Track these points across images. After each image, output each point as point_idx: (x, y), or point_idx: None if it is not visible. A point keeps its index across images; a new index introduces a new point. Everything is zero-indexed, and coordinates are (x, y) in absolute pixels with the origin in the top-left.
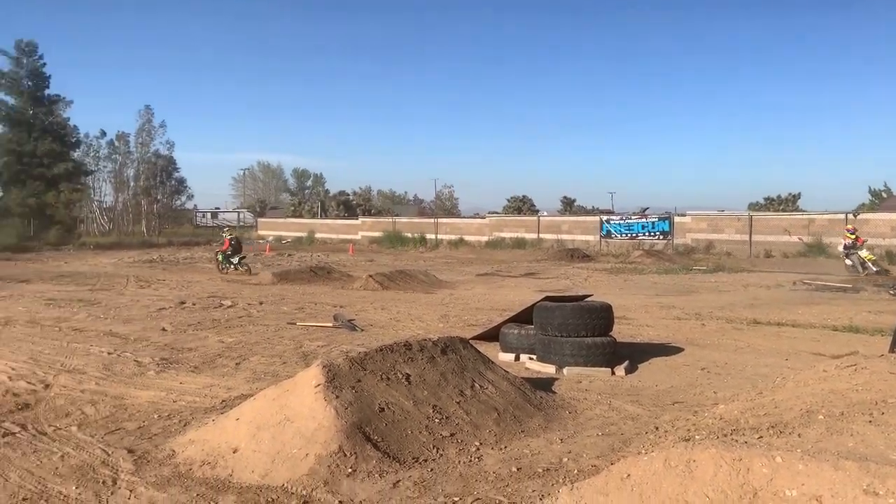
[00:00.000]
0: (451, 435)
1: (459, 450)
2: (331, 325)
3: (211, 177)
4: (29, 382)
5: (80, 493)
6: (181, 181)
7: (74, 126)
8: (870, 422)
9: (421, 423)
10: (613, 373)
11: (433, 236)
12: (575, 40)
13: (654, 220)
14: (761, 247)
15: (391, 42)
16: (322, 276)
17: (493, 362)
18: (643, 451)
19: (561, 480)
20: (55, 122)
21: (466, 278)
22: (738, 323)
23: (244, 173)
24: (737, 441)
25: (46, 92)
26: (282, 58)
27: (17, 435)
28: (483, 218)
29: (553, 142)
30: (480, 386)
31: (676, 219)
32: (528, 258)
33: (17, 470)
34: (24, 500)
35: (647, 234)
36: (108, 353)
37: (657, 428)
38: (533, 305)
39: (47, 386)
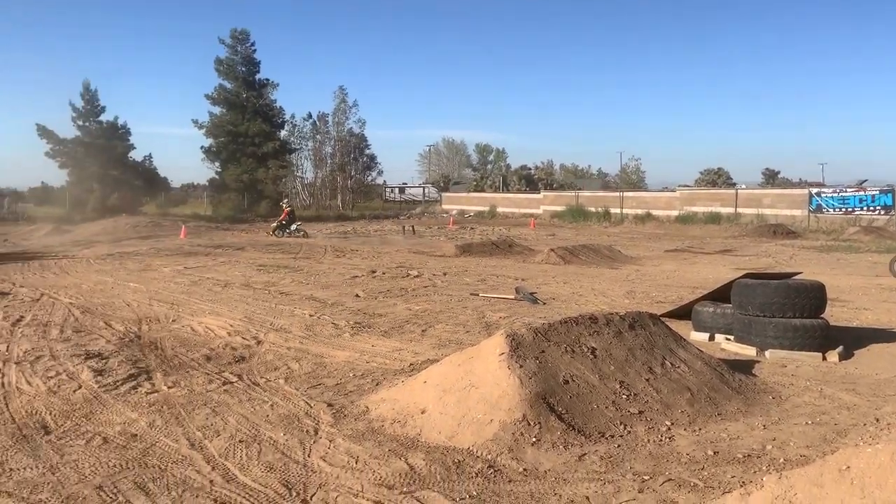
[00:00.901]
0: (640, 412)
1: (648, 428)
2: (512, 297)
3: (398, 153)
4: (244, 338)
5: (286, 440)
6: (372, 158)
7: (280, 107)
8: None
9: (607, 398)
10: (825, 358)
11: (618, 211)
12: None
13: (874, 192)
14: None
15: (573, 13)
16: (503, 250)
17: (685, 340)
18: (863, 443)
19: (765, 468)
20: (264, 104)
21: (654, 254)
22: None
23: (429, 149)
24: None
25: (257, 76)
26: (467, 34)
27: (235, 384)
28: (673, 191)
29: (752, 109)
30: (672, 364)
31: None
32: (722, 234)
33: (234, 415)
34: (240, 441)
35: (864, 208)
36: (310, 315)
37: (878, 420)
38: (731, 283)
39: (259, 342)
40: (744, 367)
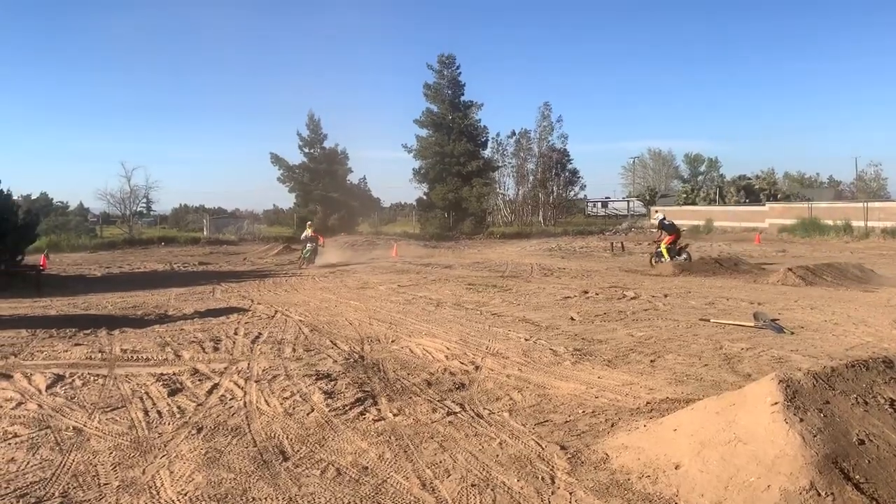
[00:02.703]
0: None
1: None
2: (751, 324)
3: (600, 167)
4: (461, 363)
5: (522, 488)
6: (574, 172)
7: (484, 126)
8: None
9: None
10: None
11: (861, 223)
12: None
13: None
14: None
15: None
16: (728, 268)
17: None
18: None
19: None
20: (469, 124)
21: None
22: None
23: (633, 161)
24: None
25: (462, 98)
26: (667, 41)
27: (459, 415)
28: None
29: None
30: None
31: None
32: None
33: (462, 452)
34: (472, 485)
35: None
36: (525, 339)
37: None
38: None
39: (477, 368)
40: None
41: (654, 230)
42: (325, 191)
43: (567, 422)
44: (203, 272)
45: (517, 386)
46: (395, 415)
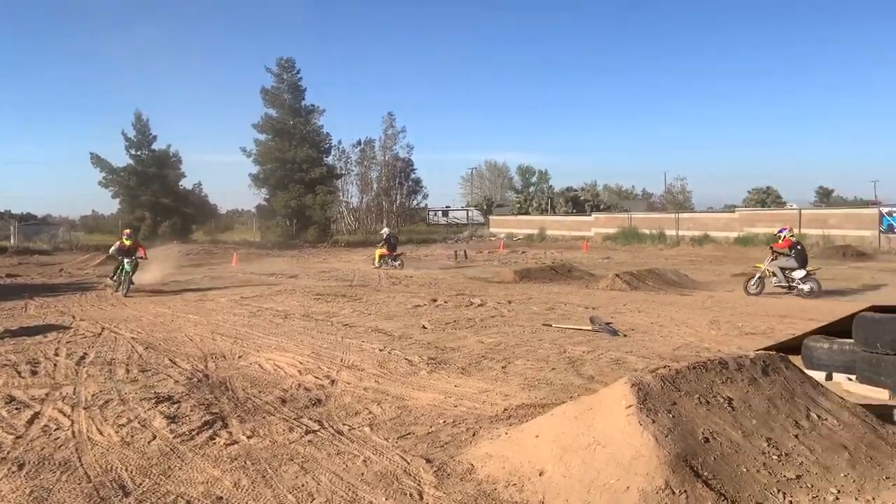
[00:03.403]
0: (797, 477)
1: (813, 497)
2: (589, 328)
3: (441, 176)
4: (316, 377)
5: None
6: (417, 181)
7: (328, 133)
8: None
9: (756, 459)
10: None
11: (673, 232)
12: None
13: None
14: None
15: (610, 26)
16: (563, 275)
17: (823, 386)
18: None
19: None
20: (311, 130)
21: (721, 279)
22: None
23: (472, 172)
24: None
25: (303, 103)
26: (504, 55)
27: (318, 433)
28: (731, 212)
29: (801, 127)
30: (818, 416)
31: None
32: None
33: (326, 473)
34: None
35: None
36: (379, 350)
37: None
38: (849, 316)
39: (333, 382)
40: (883, 414)
41: (492, 238)
42: (154, 196)
43: (429, 433)
44: (12, 285)
45: (375, 399)
46: (248, 437)
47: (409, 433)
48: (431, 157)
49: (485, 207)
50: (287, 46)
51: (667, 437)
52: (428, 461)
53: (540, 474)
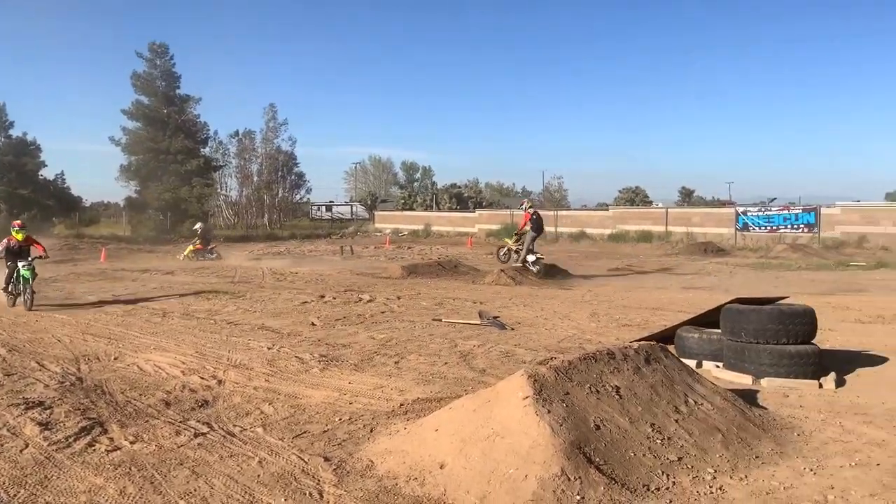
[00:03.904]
0: (679, 459)
1: (693, 478)
2: (477, 322)
3: (325, 171)
4: (202, 377)
5: None
6: (301, 175)
7: (204, 123)
8: None
9: (642, 443)
10: (821, 386)
11: (552, 229)
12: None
13: (797, 211)
14: None
15: (491, 33)
16: (450, 270)
17: (697, 373)
18: None
19: None
20: (187, 119)
21: (598, 273)
22: None
23: (356, 167)
24: None
25: (178, 91)
26: (390, 52)
27: (208, 436)
28: (606, 210)
29: (666, 130)
30: (695, 401)
31: (824, 210)
32: (655, 252)
33: (219, 476)
34: None
35: (789, 226)
36: (268, 348)
37: None
38: (716, 308)
39: (220, 382)
40: (748, 398)
41: (378, 234)
42: (10, 187)
43: (325, 431)
44: None
45: (267, 398)
46: (132, 442)
47: (305, 432)
48: (314, 152)
49: (369, 203)
50: (163, 33)
51: (561, 426)
52: (326, 459)
53: (441, 467)
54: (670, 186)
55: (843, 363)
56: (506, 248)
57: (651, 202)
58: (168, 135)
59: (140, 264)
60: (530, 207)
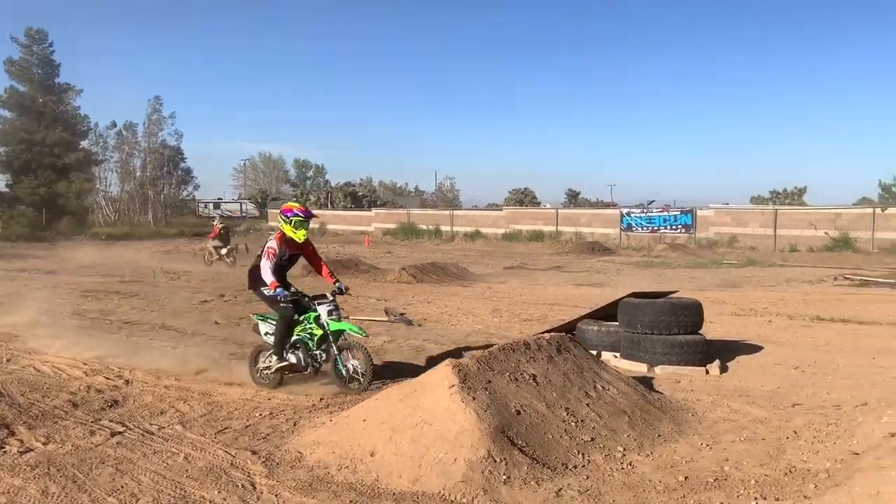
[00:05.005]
0: (592, 440)
1: (606, 455)
2: (385, 318)
3: (212, 167)
4: (107, 378)
5: (225, 499)
6: (188, 171)
7: (85, 115)
8: None
9: (558, 426)
10: (707, 372)
11: (448, 228)
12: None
13: (676, 213)
14: (786, 241)
15: (382, 31)
16: (350, 269)
17: (603, 362)
18: (804, 459)
19: (748, 493)
20: (65, 110)
21: (495, 271)
22: (802, 320)
23: (245, 164)
24: None
25: (56, 80)
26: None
27: (125, 434)
28: (499, 210)
29: (553, 133)
30: (602, 387)
31: (699, 212)
32: (547, 251)
33: (146, 473)
34: None
35: (668, 227)
36: (173, 348)
37: (796, 433)
38: (614, 302)
39: (127, 382)
40: (646, 384)
41: (271, 232)
42: None
43: (248, 426)
44: None
45: (180, 396)
46: (44, 443)
47: (227, 428)
48: (202, 147)
49: (259, 200)
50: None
51: (486, 411)
52: (253, 453)
53: (371, 455)
54: (557, 188)
55: (725, 351)
56: (207, 253)
57: (539, 203)
58: (44, 126)
59: (14, 264)
60: (221, 224)
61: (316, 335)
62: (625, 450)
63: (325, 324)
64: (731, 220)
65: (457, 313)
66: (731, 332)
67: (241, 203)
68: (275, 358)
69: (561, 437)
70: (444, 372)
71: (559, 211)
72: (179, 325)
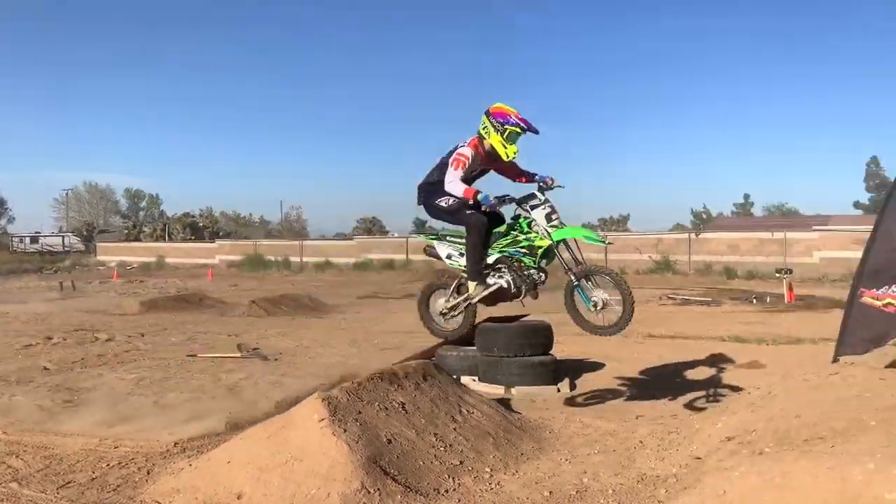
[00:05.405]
0: (461, 463)
1: (475, 477)
2: (238, 355)
3: (28, 198)
4: None
5: None
6: (1, 203)
7: None
8: None
9: (428, 452)
10: (559, 390)
11: (297, 259)
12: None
13: None
14: (616, 264)
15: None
16: (195, 304)
17: (466, 386)
18: (652, 465)
19: (608, 502)
20: None
21: (349, 301)
22: (637, 337)
23: (67, 194)
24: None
25: None
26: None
27: None
28: (350, 240)
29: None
30: (467, 411)
31: None
32: (400, 279)
33: None
34: None
35: None
36: None
37: (642, 442)
38: (473, 327)
39: None
40: (505, 405)
41: (101, 267)
42: None
43: (94, 479)
44: None
45: (10, 451)
46: None
47: (70, 482)
48: (15, 177)
49: (85, 234)
50: None
51: (357, 443)
52: None
53: (238, 498)
54: (405, 216)
55: (572, 370)
56: None
57: (388, 232)
58: None
59: None
60: None
61: (540, 247)
62: (492, 470)
63: (546, 231)
64: None
65: (314, 345)
66: (577, 351)
67: (63, 236)
68: (471, 286)
69: (431, 462)
70: (312, 405)
71: (409, 239)
72: (1, 373)
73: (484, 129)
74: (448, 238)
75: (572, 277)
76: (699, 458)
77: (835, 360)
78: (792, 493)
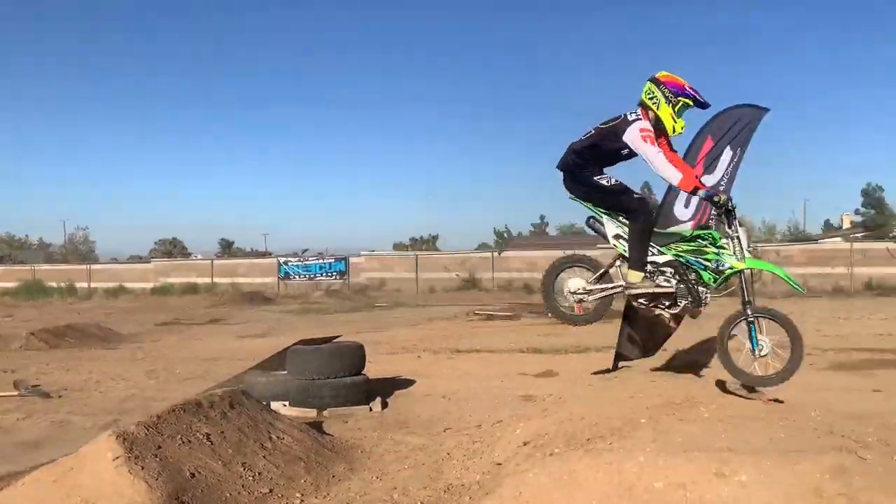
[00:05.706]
0: (270, 491)
1: None
2: (15, 393)
3: None
4: None
5: None
6: None
7: None
8: (680, 420)
9: (236, 483)
10: (371, 409)
11: (85, 285)
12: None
13: (330, 260)
14: (427, 283)
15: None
16: None
17: (275, 412)
18: (459, 474)
19: None
20: None
21: (146, 329)
22: (445, 353)
23: None
24: (592, 450)
25: None
26: None
27: None
28: (147, 262)
29: (205, 182)
30: (277, 437)
31: (352, 259)
32: (203, 304)
33: None
34: None
35: (324, 274)
36: None
37: (449, 454)
38: (281, 351)
39: None
40: (317, 427)
41: None
42: None
43: None
44: None
45: None
46: None
47: None
48: None
49: None
50: None
51: (157, 479)
52: None
53: None
54: (209, 238)
55: (384, 388)
56: None
57: (190, 254)
58: None
59: None
60: None
61: (731, 267)
62: (303, 495)
63: (744, 254)
64: (379, 266)
65: (105, 379)
66: (388, 370)
67: None
68: (634, 275)
69: (239, 493)
70: (105, 443)
71: (215, 262)
72: None
73: (651, 98)
74: (621, 218)
75: (749, 312)
76: (499, 464)
77: (615, 367)
78: (578, 490)
